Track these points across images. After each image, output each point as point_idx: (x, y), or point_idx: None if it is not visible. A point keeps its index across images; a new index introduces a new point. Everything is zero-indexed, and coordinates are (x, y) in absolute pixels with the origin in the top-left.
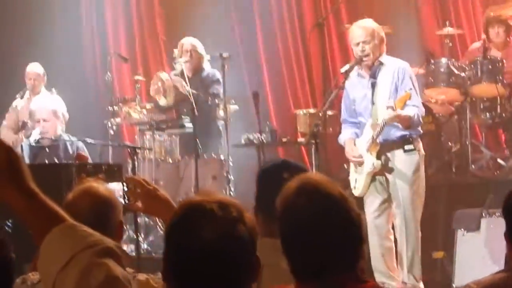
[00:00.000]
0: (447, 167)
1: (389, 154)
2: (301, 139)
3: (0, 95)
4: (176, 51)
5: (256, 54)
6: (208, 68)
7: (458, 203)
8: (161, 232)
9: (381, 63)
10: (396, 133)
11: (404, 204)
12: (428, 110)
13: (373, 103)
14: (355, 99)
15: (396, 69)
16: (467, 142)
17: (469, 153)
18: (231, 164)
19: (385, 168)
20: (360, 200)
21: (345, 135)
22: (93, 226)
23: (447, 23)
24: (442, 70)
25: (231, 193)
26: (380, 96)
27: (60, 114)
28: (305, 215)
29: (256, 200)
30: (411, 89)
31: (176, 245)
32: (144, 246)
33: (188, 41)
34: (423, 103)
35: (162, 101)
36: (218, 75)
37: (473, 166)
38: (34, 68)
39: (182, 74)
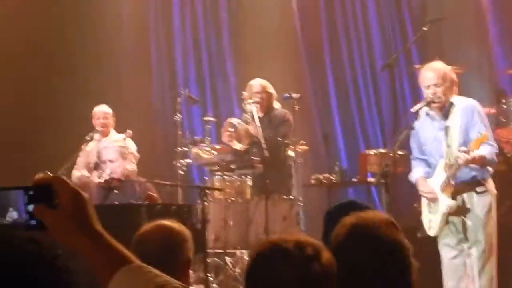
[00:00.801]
0: None
1: (463, 195)
2: (371, 179)
3: (71, 138)
4: (245, 93)
5: (326, 94)
6: (278, 108)
7: None
8: (231, 272)
9: (451, 104)
10: (468, 174)
11: (478, 245)
12: (499, 149)
13: (448, 146)
14: (425, 140)
15: (464, 109)
16: None
17: None
18: (301, 204)
19: (460, 209)
20: (434, 239)
21: (417, 173)
22: (160, 261)
23: None
24: None
25: (301, 233)
26: (453, 137)
27: (126, 154)
28: (353, 257)
29: (322, 241)
30: (484, 131)
31: (254, 283)
32: (214, 286)
33: (257, 82)
34: None
35: (237, 146)
36: (289, 115)
37: None
38: (102, 108)
39: (252, 115)
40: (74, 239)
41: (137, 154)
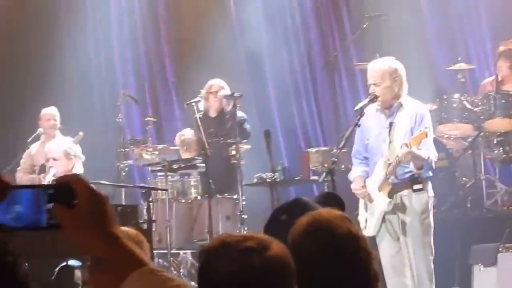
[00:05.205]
0: (462, 203)
1: (399, 193)
2: (314, 177)
3: (11, 139)
4: (202, 91)
5: (266, 93)
6: (231, 109)
7: (474, 238)
8: (176, 272)
9: (400, 105)
10: (406, 173)
11: (416, 242)
12: (441, 146)
13: (390, 143)
14: (370, 135)
15: (414, 114)
16: (481, 177)
17: (483, 188)
18: (244, 203)
19: (396, 207)
20: (372, 240)
21: (356, 172)
22: None
23: (459, 58)
24: (455, 105)
25: (244, 233)
26: (397, 137)
27: (72, 155)
28: (312, 255)
29: None
30: (426, 128)
31: (202, 278)
32: None
33: (217, 82)
34: (436, 139)
35: (186, 155)
36: (243, 114)
37: (488, 201)
38: (51, 110)
39: (204, 114)
40: (88, 239)
41: (83, 157)
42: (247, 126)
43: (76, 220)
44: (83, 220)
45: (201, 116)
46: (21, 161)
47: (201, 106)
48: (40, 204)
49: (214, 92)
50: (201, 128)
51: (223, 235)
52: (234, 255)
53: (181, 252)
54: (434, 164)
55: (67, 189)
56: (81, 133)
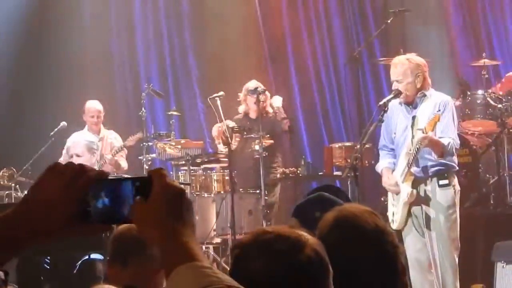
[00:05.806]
0: (485, 199)
1: (424, 186)
2: (337, 172)
3: (32, 134)
4: (241, 94)
5: (289, 88)
6: (272, 112)
7: (497, 235)
8: None
9: (424, 95)
10: (431, 167)
11: (441, 237)
12: (465, 142)
13: (412, 137)
14: (396, 128)
15: (438, 102)
16: (505, 174)
17: (507, 184)
18: (266, 198)
19: (420, 199)
20: (399, 234)
21: (383, 164)
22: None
23: (483, 54)
24: (478, 102)
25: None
26: (419, 127)
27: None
28: (339, 249)
29: None
30: (439, 110)
31: (233, 270)
32: None
33: (253, 84)
34: (460, 135)
35: (221, 146)
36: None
37: (511, 198)
38: (96, 106)
39: (244, 115)
40: (147, 232)
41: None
42: (288, 124)
43: (141, 213)
44: (147, 213)
45: (240, 117)
46: (63, 151)
47: (241, 109)
48: (125, 196)
49: (251, 94)
50: (224, 124)
51: (258, 230)
52: (268, 255)
53: (203, 246)
54: (455, 152)
55: (148, 183)
56: (139, 134)
